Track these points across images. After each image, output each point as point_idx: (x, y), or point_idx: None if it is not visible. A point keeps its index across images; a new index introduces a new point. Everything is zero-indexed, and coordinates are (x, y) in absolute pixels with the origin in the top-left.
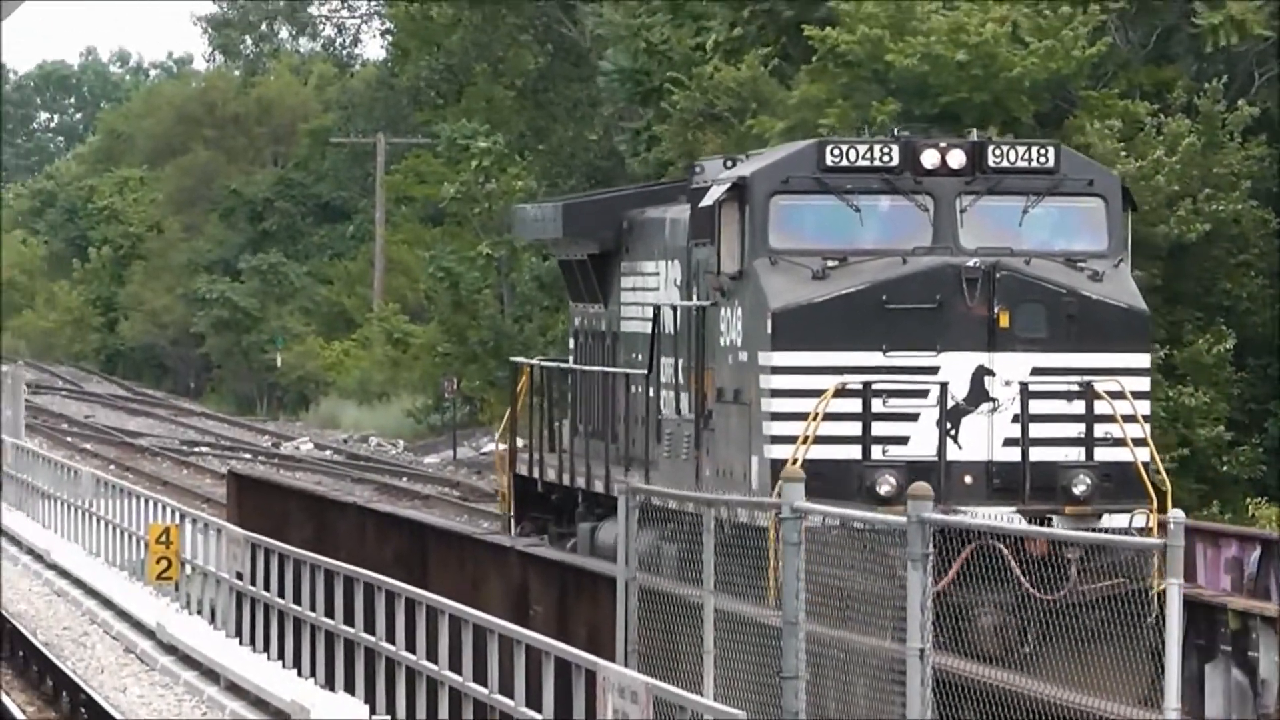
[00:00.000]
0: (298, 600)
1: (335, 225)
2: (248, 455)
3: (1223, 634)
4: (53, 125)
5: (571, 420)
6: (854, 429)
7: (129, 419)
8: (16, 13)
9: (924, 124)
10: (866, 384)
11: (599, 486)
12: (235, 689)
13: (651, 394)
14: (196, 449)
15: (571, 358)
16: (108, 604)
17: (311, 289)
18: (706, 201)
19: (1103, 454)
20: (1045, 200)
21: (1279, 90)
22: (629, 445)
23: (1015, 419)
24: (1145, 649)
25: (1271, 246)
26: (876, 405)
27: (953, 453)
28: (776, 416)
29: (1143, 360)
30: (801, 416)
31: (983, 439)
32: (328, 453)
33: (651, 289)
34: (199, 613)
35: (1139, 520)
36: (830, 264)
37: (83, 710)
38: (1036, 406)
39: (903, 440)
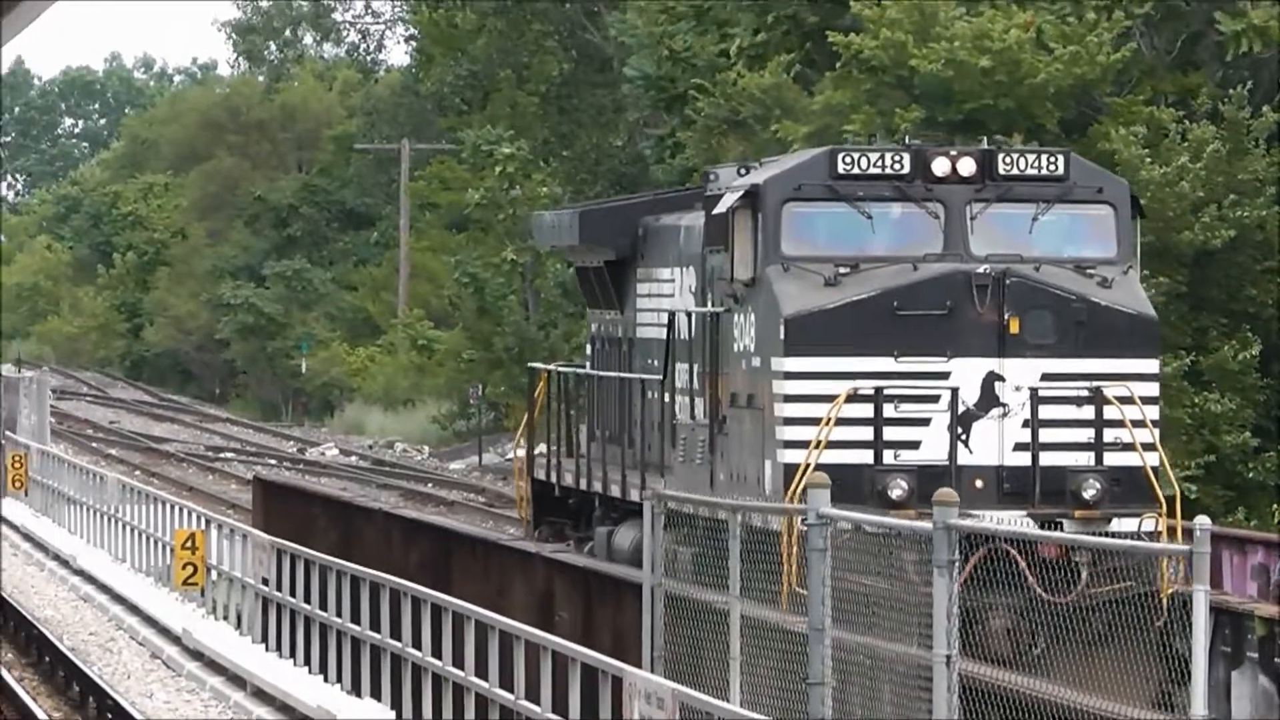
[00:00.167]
0: (323, 606)
1: (359, 231)
2: (273, 461)
3: (1249, 640)
4: (77, 131)
5: (589, 425)
6: (866, 434)
7: (154, 424)
8: (42, 18)
9: (948, 130)
10: (878, 389)
11: (615, 491)
12: (261, 694)
13: (667, 399)
14: (222, 454)
15: (589, 364)
16: (134, 609)
17: (336, 295)
18: (720, 209)
19: (1112, 459)
20: (1055, 207)
21: None
22: (645, 450)
23: (1025, 424)
24: (1154, 652)
25: None
26: (888, 410)
27: (963, 457)
28: (789, 421)
29: (1151, 366)
30: (814, 421)
31: (993, 444)
32: (353, 458)
33: (667, 295)
34: (225, 618)
35: (1148, 524)
36: (842, 270)
37: (109, 715)
38: (1046, 411)
39: (914, 445)
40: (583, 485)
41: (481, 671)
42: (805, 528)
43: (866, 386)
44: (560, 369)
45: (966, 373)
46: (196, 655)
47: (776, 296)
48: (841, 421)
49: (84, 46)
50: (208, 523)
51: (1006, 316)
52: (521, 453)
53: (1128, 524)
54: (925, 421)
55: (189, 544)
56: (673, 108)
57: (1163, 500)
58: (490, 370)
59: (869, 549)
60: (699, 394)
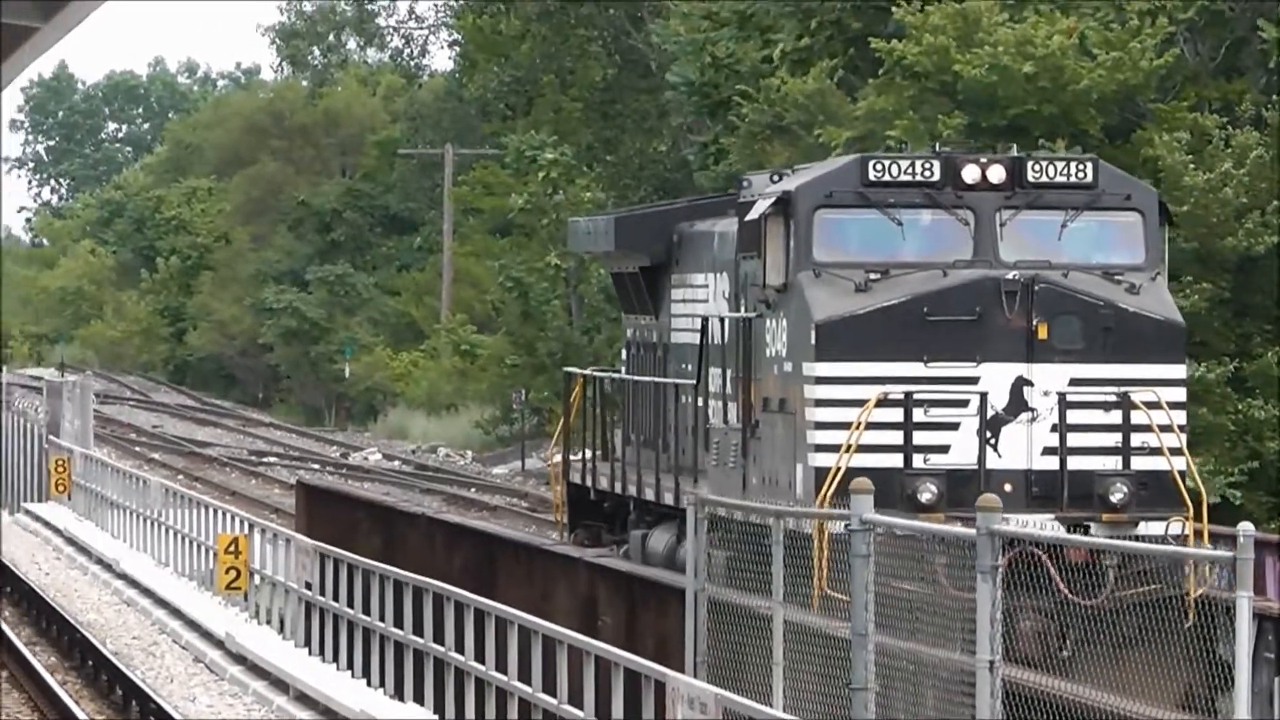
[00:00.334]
0: (366, 610)
1: (403, 236)
2: (316, 465)
3: None
4: (121, 136)
5: (624, 429)
6: (896, 438)
7: (197, 429)
8: (86, 22)
9: (991, 137)
10: (908, 394)
11: (650, 495)
12: (304, 699)
13: (700, 404)
14: (265, 459)
15: (624, 368)
16: (177, 614)
17: (379, 300)
18: (752, 215)
19: (1139, 463)
20: (1083, 214)
21: None
22: (679, 454)
23: (1054, 428)
24: (1182, 654)
25: None
26: (918, 415)
27: (992, 461)
28: (820, 425)
29: (1178, 371)
30: (845, 426)
31: (1022, 448)
32: (396, 463)
33: (701, 301)
34: (268, 622)
35: (1174, 528)
36: (873, 276)
37: (152, 719)
38: (1074, 416)
39: (943, 449)
40: (618, 489)
41: (525, 676)
42: (846, 532)
43: (896, 391)
44: (595, 374)
45: (995, 377)
46: (239, 659)
47: (808, 302)
48: (872, 426)
49: (128, 51)
50: (251, 527)
51: (1035, 322)
52: (557, 457)
53: (1155, 527)
54: (954, 426)
55: (232, 548)
56: (716, 113)
57: (1189, 504)
58: (533, 375)
59: (899, 552)
60: (732, 398)
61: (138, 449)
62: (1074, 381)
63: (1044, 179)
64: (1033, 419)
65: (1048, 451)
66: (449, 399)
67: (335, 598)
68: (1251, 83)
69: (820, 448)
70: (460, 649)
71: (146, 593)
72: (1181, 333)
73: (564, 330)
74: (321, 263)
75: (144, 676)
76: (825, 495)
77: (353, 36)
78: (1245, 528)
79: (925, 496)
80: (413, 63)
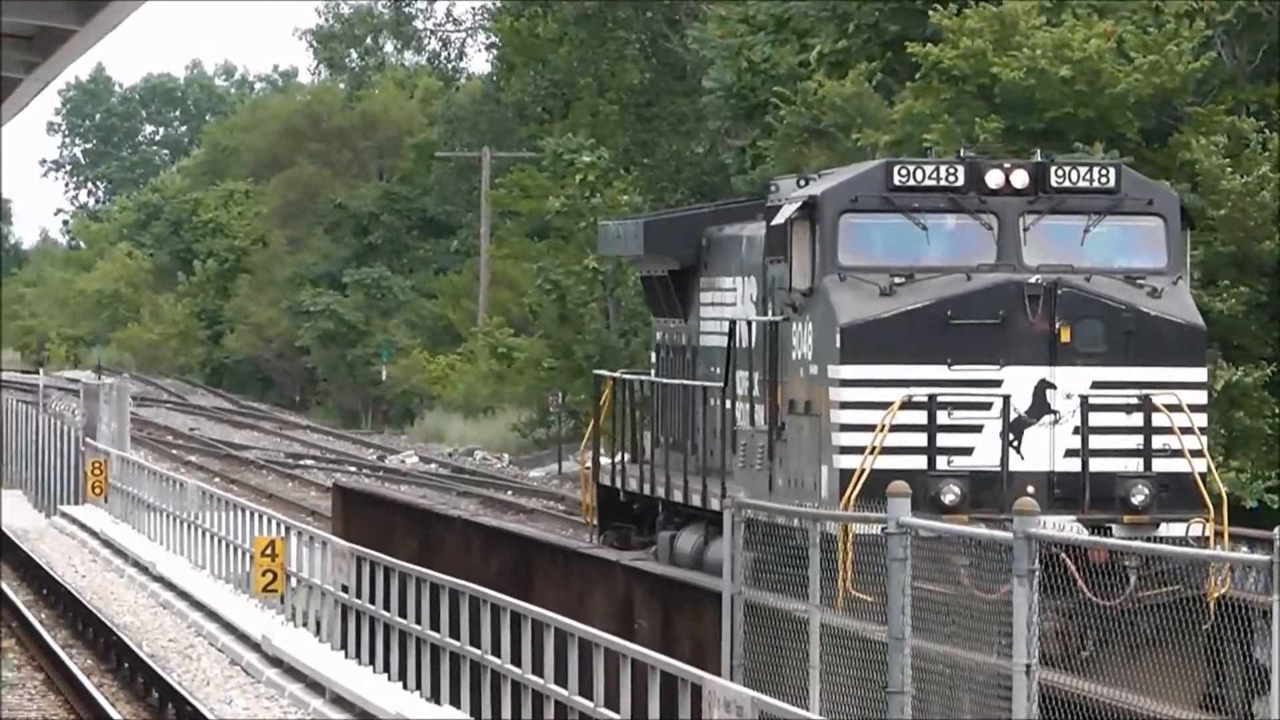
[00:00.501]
0: (403, 613)
1: (440, 239)
2: (353, 468)
3: None
4: (158, 138)
5: (653, 432)
6: (920, 440)
7: (234, 432)
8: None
9: (1029, 140)
10: (932, 397)
11: (678, 496)
12: (340, 701)
13: (728, 406)
14: (301, 462)
15: (653, 371)
16: (213, 616)
17: (416, 303)
18: (779, 220)
19: (1160, 465)
20: (1106, 219)
21: None
22: (706, 456)
23: (1076, 431)
24: (1201, 655)
25: None
26: (941, 417)
27: (1015, 463)
28: (845, 428)
29: (1200, 374)
30: (869, 428)
31: (1044, 450)
32: (433, 466)
33: (729, 304)
34: (304, 625)
35: (1195, 530)
36: (897, 280)
37: None
38: (1096, 419)
39: (967, 451)
40: (646, 490)
41: (561, 679)
42: (882, 535)
43: (920, 394)
44: (625, 376)
45: (1018, 380)
46: (276, 662)
47: (833, 306)
48: (896, 428)
49: (165, 54)
50: (287, 530)
51: (1058, 326)
52: (588, 458)
53: (1176, 529)
54: (978, 428)
55: (269, 551)
56: (753, 117)
57: (1210, 505)
58: (570, 378)
59: (919, 553)
60: (759, 401)
61: (174, 451)
62: (1096, 384)
63: (1067, 184)
64: (1055, 421)
65: (1070, 454)
66: (486, 402)
67: (372, 600)
68: None
69: (845, 450)
70: (496, 652)
71: (183, 595)
72: (1202, 336)
73: (601, 333)
74: (359, 265)
75: (180, 679)
76: (850, 497)
77: (390, 39)
78: None
79: (949, 498)
80: (450, 65)
